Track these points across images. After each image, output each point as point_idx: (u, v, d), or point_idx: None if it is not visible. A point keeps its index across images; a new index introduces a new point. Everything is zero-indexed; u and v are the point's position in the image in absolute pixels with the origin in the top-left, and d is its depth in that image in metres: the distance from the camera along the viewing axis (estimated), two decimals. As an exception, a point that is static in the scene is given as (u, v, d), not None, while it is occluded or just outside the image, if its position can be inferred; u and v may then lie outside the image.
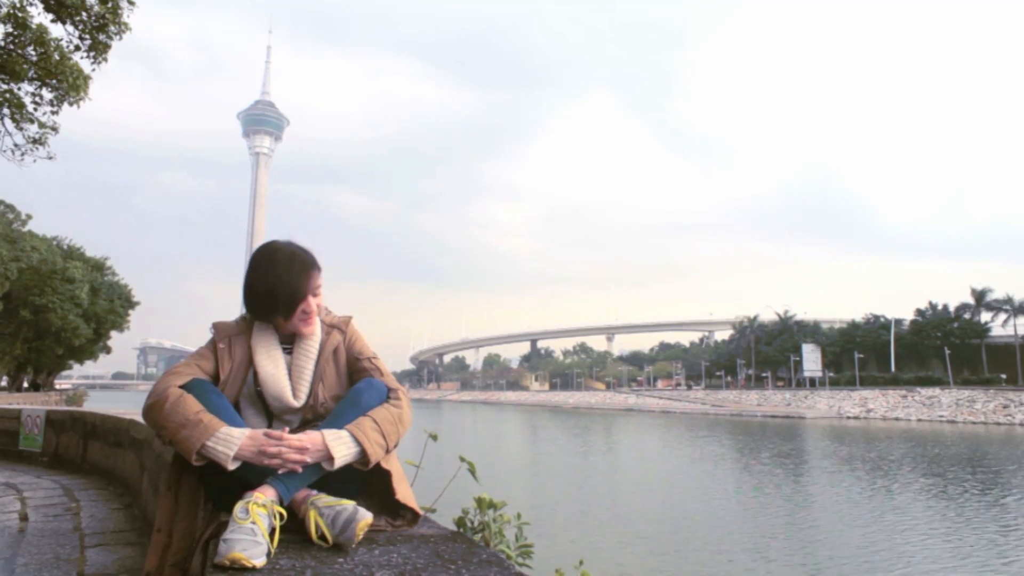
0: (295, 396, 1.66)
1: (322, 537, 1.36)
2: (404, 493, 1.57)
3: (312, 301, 1.67)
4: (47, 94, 8.26)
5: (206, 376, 1.63)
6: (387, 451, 1.54)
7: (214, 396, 1.54)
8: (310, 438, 1.43)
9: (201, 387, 1.55)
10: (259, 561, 1.22)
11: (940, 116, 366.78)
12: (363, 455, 1.47)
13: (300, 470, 1.43)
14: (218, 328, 1.74)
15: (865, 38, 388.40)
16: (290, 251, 1.67)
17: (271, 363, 1.67)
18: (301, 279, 1.64)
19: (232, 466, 1.41)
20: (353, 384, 1.68)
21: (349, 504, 1.39)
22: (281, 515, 1.36)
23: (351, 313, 1.89)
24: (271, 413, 1.68)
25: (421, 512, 1.59)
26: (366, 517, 1.36)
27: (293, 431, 1.51)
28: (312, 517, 1.38)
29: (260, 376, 1.65)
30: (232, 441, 1.41)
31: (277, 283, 1.61)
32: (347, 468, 1.47)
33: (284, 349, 1.72)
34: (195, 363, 1.65)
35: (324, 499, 1.42)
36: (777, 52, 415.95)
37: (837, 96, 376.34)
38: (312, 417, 1.67)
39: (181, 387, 1.53)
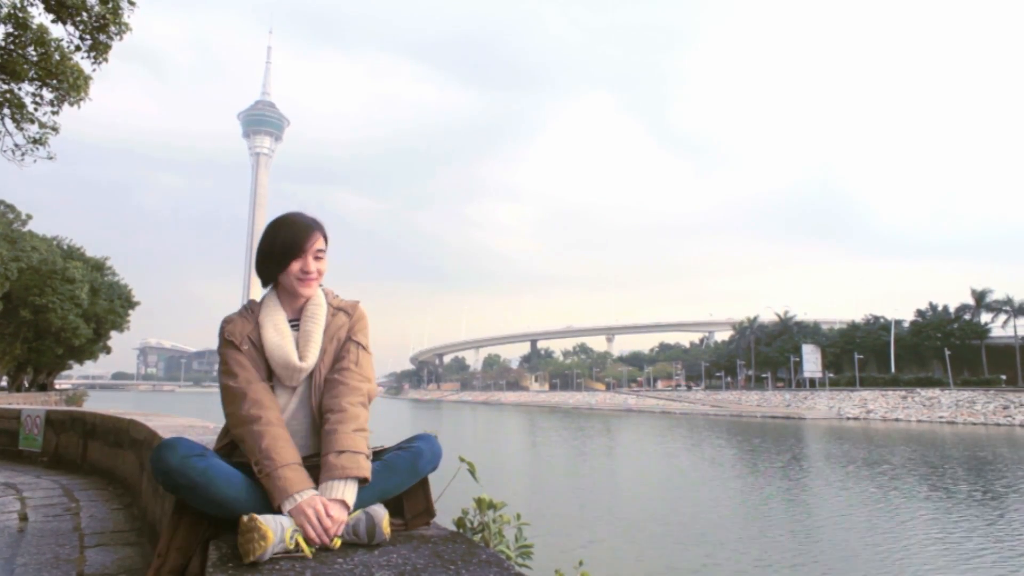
0: (302, 358, 1.68)
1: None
2: (427, 500, 1.70)
3: (311, 261, 1.73)
4: (47, 94, 8.25)
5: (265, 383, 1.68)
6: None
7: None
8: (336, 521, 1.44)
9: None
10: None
11: (939, 117, 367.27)
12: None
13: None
14: (232, 333, 1.71)
15: (863, 40, 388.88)
16: (295, 214, 1.78)
17: (277, 335, 1.70)
18: (300, 233, 1.73)
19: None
20: (340, 358, 1.73)
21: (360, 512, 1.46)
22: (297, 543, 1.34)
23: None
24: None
25: (434, 514, 1.66)
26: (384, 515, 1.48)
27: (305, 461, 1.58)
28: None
29: (267, 348, 1.68)
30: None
31: (279, 237, 1.71)
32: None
33: (291, 325, 1.75)
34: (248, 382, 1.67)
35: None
36: (775, 53, 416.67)
37: (836, 97, 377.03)
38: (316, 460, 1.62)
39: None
